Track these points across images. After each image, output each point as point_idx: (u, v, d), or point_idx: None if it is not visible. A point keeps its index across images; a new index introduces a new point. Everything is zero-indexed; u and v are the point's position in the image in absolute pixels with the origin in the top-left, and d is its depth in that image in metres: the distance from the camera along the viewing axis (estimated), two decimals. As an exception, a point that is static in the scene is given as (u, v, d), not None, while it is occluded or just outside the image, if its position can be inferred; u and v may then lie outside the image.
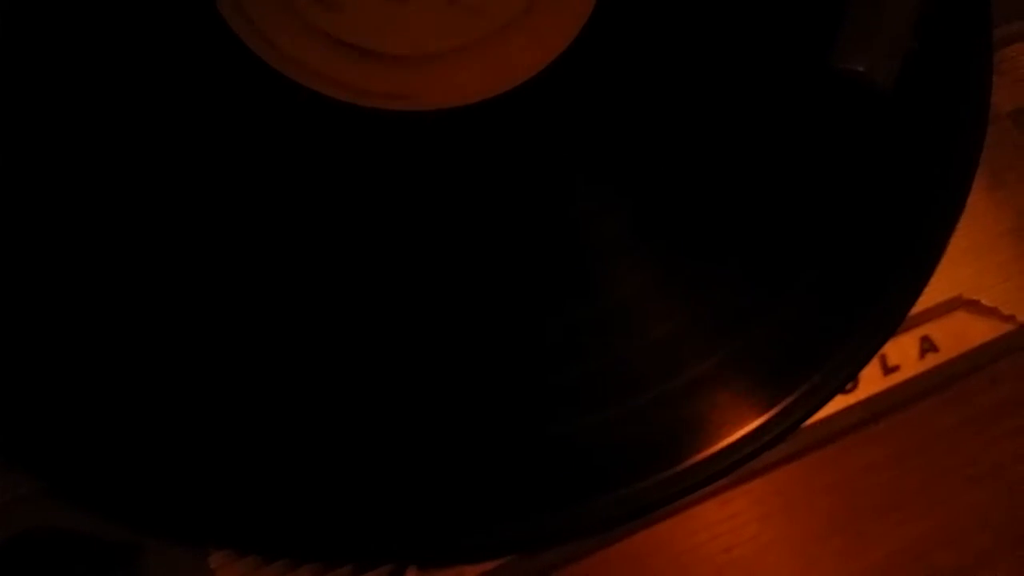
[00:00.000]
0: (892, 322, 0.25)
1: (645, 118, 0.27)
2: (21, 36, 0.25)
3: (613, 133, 0.27)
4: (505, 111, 0.27)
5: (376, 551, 0.22)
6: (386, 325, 0.24)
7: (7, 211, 0.24)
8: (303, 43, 0.26)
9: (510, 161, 0.26)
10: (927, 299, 0.26)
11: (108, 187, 0.24)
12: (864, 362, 0.25)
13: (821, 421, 0.25)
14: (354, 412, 0.23)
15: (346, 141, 0.26)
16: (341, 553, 0.22)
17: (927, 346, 0.26)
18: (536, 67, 0.27)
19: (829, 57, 0.27)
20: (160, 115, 0.25)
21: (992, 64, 0.29)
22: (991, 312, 0.27)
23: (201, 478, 0.22)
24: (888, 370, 0.26)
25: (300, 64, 0.26)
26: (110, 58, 0.26)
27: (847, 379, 0.25)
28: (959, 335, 0.27)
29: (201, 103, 0.26)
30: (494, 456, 0.23)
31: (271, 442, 0.22)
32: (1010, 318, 0.27)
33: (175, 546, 0.22)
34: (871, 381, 0.26)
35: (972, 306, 0.27)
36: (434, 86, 0.27)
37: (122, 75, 0.25)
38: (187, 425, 0.22)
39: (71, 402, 0.22)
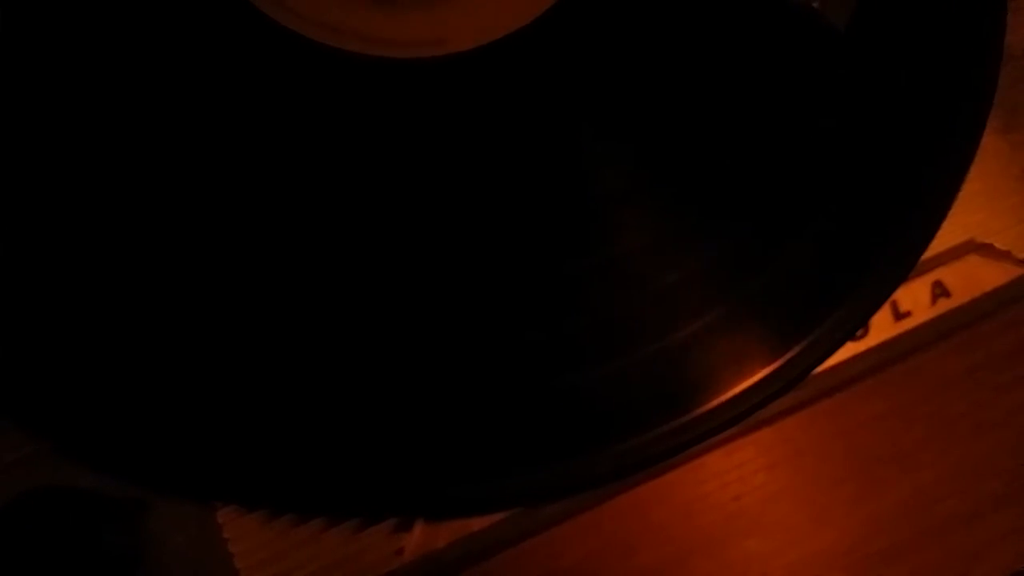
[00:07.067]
0: (904, 267, 0.25)
1: (646, 64, 0.26)
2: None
3: (614, 80, 0.26)
4: (503, 57, 0.26)
5: (383, 504, 0.22)
6: (392, 276, 0.24)
7: (18, 175, 0.23)
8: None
9: (510, 110, 0.25)
10: (939, 243, 0.26)
11: (125, 152, 0.24)
12: (875, 308, 0.25)
13: (831, 369, 0.25)
14: (360, 366, 0.23)
15: (354, 91, 0.25)
16: (348, 507, 0.22)
17: (939, 291, 0.26)
18: (534, 11, 0.26)
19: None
20: (172, 70, 0.25)
21: (1007, 1, 0.28)
22: (1004, 256, 0.26)
23: (207, 433, 0.22)
24: (899, 316, 0.26)
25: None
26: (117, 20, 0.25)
27: (857, 326, 0.25)
28: (972, 280, 0.26)
29: (220, 71, 0.25)
30: (500, 408, 0.23)
31: (277, 396, 0.22)
32: (1023, 262, 0.27)
33: (182, 502, 0.22)
34: (882, 328, 0.25)
35: (985, 250, 0.26)
36: (454, 26, 0.26)
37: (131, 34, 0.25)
38: (192, 381, 0.22)
39: (74, 360, 0.22)
